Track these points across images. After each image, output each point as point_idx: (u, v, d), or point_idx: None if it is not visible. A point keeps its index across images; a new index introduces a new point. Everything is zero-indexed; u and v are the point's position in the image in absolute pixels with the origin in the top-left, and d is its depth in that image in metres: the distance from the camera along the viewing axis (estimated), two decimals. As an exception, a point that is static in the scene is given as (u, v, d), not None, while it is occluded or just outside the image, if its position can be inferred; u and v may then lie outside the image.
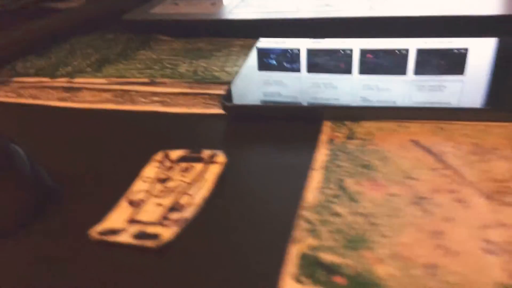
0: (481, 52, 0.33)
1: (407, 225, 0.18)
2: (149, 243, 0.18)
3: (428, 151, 0.23)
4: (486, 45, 0.34)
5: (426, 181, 0.21)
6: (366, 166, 0.22)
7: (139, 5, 0.50)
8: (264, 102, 0.29)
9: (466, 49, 0.33)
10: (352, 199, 0.20)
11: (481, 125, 0.25)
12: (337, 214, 0.19)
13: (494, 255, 0.17)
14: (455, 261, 0.17)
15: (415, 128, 0.25)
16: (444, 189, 0.20)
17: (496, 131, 0.24)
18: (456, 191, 0.20)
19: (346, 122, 0.27)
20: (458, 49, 0.34)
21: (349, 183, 0.21)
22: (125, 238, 0.19)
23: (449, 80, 0.29)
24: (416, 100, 0.27)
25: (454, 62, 0.32)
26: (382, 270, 0.16)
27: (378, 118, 0.26)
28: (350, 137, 0.25)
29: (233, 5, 0.47)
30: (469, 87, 0.28)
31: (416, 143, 0.24)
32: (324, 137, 0.25)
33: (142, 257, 0.18)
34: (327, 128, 0.26)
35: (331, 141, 0.25)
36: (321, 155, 0.24)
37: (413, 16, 0.40)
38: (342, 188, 0.21)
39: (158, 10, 0.48)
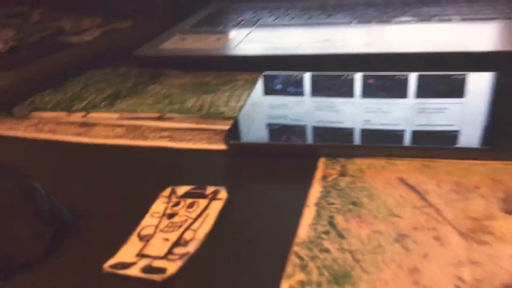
0: (477, 81, 0.35)
1: (388, 261, 0.20)
2: (156, 277, 0.21)
3: (413, 189, 0.25)
4: (482, 76, 0.36)
5: (408, 219, 0.23)
6: (355, 203, 0.24)
7: (149, 40, 0.53)
8: (269, 125, 0.31)
9: (464, 75, 0.36)
10: (340, 235, 0.22)
11: (464, 163, 0.27)
12: (325, 250, 0.21)
13: (465, 290, 0.19)
14: (428, 296, 0.18)
15: (403, 165, 0.27)
16: (424, 227, 0.22)
17: (478, 169, 0.26)
18: (435, 229, 0.22)
19: (340, 159, 0.29)
20: (457, 75, 0.36)
21: (339, 219, 0.23)
22: (134, 271, 0.21)
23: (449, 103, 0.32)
24: (416, 123, 0.29)
25: (453, 87, 0.34)
26: None
27: (369, 155, 0.28)
28: (342, 174, 0.27)
29: (238, 40, 0.50)
30: (467, 111, 0.31)
31: (402, 181, 0.26)
32: (318, 174, 0.28)
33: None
34: (321, 164, 0.28)
35: (324, 178, 0.27)
36: (315, 192, 0.26)
37: (408, 52, 0.42)
38: (332, 224, 0.23)
39: (167, 46, 0.51)
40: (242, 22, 0.57)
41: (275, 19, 0.57)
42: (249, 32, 0.52)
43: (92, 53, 0.54)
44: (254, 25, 0.55)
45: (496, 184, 0.25)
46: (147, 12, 0.67)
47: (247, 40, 0.50)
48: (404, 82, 0.36)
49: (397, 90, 0.35)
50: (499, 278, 0.19)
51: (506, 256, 0.20)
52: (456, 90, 0.34)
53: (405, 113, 0.31)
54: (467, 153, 0.27)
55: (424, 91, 0.35)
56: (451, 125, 0.29)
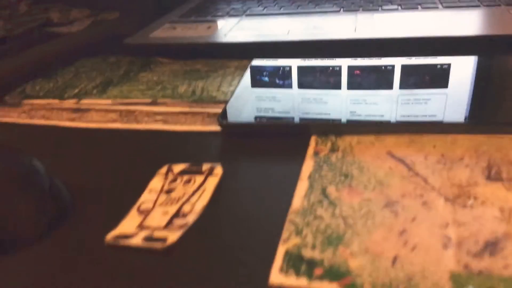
0: (460, 69, 0.36)
1: (378, 225, 0.21)
2: (157, 245, 0.21)
3: (401, 161, 0.26)
4: (465, 63, 0.37)
5: (396, 188, 0.24)
6: (346, 175, 0.25)
7: (138, 30, 0.54)
8: (258, 118, 0.32)
9: (448, 65, 0.37)
10: (332, 204, 0.23)
11: (449, 137, 0.28)
12: (319, 217, 0.22)
13: (451, 249, 0.20)
14: (417, 255, 0.20)
15: (390, 141, 0.28)
16: (412, 194, 0.23)
17: (463, 142, 0.28)
18: (422, 196, 0.23)
19: (330, 136, 0.30)
20: (441, 65, 0.37)
21: (331, 190, 0.24)
22: (136, 241, 0.22)
23: (433, 94, 0.32)
24: (401, 114, 0.30)
25: (437, 77, 0.35)
26: (354, 263, 0.19)
27: (358, 132, 0.29)
28: (333, 150, 0.28)
29: (228, 29, 0.50)
30: (451, 100, 0.31)
31: (391, 154, 0.27)
32: (310, 150, 0.29)
33: (151, 257, 0.21)
34: (313, 142, 0.29)
35: (316, 154, 0.28)
36: (308, 166, 0.27)
37: (395, 37, 0.43)
38: (324, 194, 0.24)
39: (157, 34, 0.51)
40: (231, 11, 0.58)
41: (264, 9, 0.58)
42: (238, 21, 0.53)
43: (82, 43, 0.54)
44: (243, 14, 0.56)
45: (479, 155, 0.26)
46: (133, 4, 0.68)
47: (237, 28, 0.50)
48: (390, 72, 0.37)
49: (383, 80, 0.36)
50: (482, 235, 0.20)
51: (489, 217, 0.21)
52: (442, 76, 0.35)
53: (391, 103, 0.32)
54: (452, 128, 0.28)
55: (409, 81, 0.35)
56: (436, 111, 0.30)
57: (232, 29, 0.50)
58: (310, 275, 0.19)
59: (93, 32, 0.57)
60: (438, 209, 0.22)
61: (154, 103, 0.38)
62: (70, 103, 0.40)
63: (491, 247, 0.20)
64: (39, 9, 0.66)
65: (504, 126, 0.28)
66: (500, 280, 0.18)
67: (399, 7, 0.52)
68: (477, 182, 0.24)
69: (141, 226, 0.23)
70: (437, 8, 0.50)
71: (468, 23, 0.45)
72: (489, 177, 0.24)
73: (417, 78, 0.36)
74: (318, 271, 0.19)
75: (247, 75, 0.39)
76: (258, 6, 0.59)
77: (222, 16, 0.56)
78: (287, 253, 0.20)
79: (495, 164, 0.25)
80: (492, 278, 0.18)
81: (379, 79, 0.36)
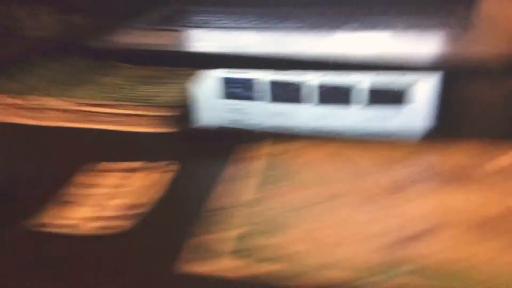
0: (423, 85, 0.38)
1: (321, 216, 0.23)
2: (113, 231, 0.22)
3: (347, 161, 0.28)
4: (428, 80, 0.39)
5: (341, 184, 0.26)
6: (294, 173, 0.27)
7: (99, 34, 0.54)
8: (213, 123, 0.32)
9: (410, 83, 0.38)
10: (282, 196, 0.25)
11: (395, 143, 0.31)
12: (263, 209, 0.24)
13: (384, 238, 0.21)
14: (353, 242, 0.21)
15: (338, 144, 0.30)
16: (358, 189, 0.25)
17: (406, 148, 0.30)
18: (365, 191, 0.25)
19: (281, 141, 0.31)
20: (402, 83, 0.38)
21: (280, 185, 0.26)
22: (90, 228, 0.23)
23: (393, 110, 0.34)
24: (363, 126, 0.32)
25: (398, 94, 0.36)
26: (297, 247, 0.21)
27: (307, 138, 0.31)
28: (283, 152, 0.30)
29: (189, 39, 0.51)
30: (412, 115, 0.33)
31: (338, 155, 0.29)
32: (261, 152, 0.30)
33: (99, 244, 0.22)
34: (264, 145, 0.30)
35: (266, 155, 0.29)
36: (258, 165, 0.28)
37: (353, 54, 0.45)
38: (273, 189, 0.26)
39: (120, 39, 0.51)
40: (196, 23, 0.58)
41: (229, 23, 0.59)
42: (205, 33, 0.54)
43: (44, 44, 0.54)
44: (212, 26, 0.57)
45: (420, 159, 0.28)
46: (105, 9, 0.67)
47: (202, 39, 0.51)
48: (353, 89, 0.38)
49: (343, 97, 0.37)
50: (411, 228, 0.22)
51: (420, 212, 0.23)
52: (401, 95, 0.36)
53: (354, 117, 0.33)
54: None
55: (369, 97, 0.36)
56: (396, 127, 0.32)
57: (193, 40, 0.51)
58: (257, 259, 0.20)
59: (56, 34, 0.57)
60: (377, 204, 0.24)
61: (110, 105, 0.38)
62: (28, 102, 0.39)
63: (420, 237, 0.21)
64: (4, 10, 0.65)
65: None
66: (423, 267, 0.20)
67: (358, 28, 0.54)
68: (414, 181, 0.26)
69: (95, 217, 0.23)
70: (395, 28, 0.53)
71: (425, 43, 0.47)
72: (427, 178, 0.26)
73: (377, 95, 0.37)
74: (264, 255, 0.21)
75: (206, 83, 0.39)
76: (225, 20, 0.60)
77: (186, 27, 0.57)
78: (238, 238, 0.22)
79: (434, 167, 0.27)
80: (416, 264, 0.20)
81: (339, 95, 0.37)
